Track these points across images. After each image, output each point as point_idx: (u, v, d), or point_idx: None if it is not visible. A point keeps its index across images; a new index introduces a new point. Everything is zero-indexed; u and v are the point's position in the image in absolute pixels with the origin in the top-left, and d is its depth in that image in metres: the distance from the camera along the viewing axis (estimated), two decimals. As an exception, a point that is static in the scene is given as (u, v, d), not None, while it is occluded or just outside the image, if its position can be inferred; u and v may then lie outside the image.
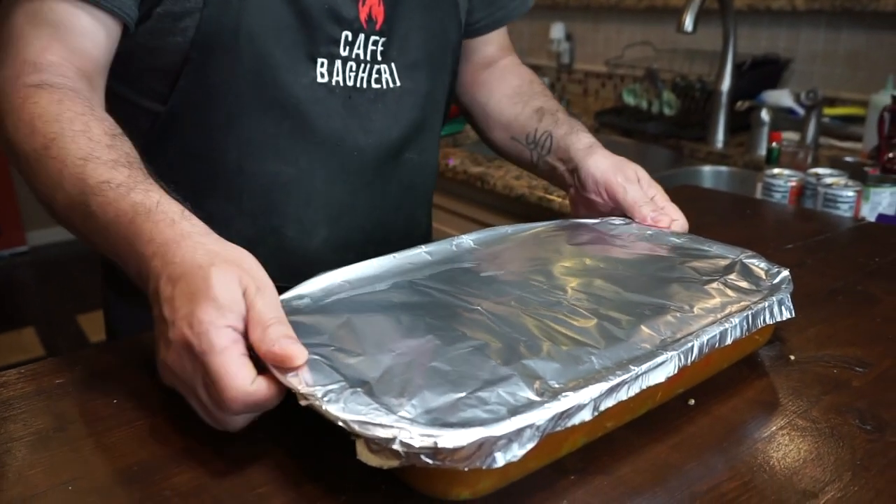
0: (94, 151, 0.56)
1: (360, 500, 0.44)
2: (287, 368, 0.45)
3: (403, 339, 0.51)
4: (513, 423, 0.40)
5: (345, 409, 0.41)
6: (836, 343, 0.64)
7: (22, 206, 3.74)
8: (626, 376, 0.45)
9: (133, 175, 0.55)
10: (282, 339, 0.45)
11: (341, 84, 0.74)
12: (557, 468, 0.47)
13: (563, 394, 0.43)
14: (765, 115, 1.64)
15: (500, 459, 0.40)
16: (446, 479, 0.42)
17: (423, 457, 0.39)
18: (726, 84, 1.74)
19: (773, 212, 1.09)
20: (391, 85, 0.78)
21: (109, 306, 0.88)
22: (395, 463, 0.40)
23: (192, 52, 0.69)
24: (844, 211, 1.13)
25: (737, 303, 0.57)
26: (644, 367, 0.47)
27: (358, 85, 0.76)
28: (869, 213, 1.16)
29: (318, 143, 0.75)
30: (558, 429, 0.42)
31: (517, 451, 0.40)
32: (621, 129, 1.96)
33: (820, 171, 1.22)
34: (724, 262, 0.65)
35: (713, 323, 0.53)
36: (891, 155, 1.21)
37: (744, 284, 0.61)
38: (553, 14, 2.53)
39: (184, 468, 0.47)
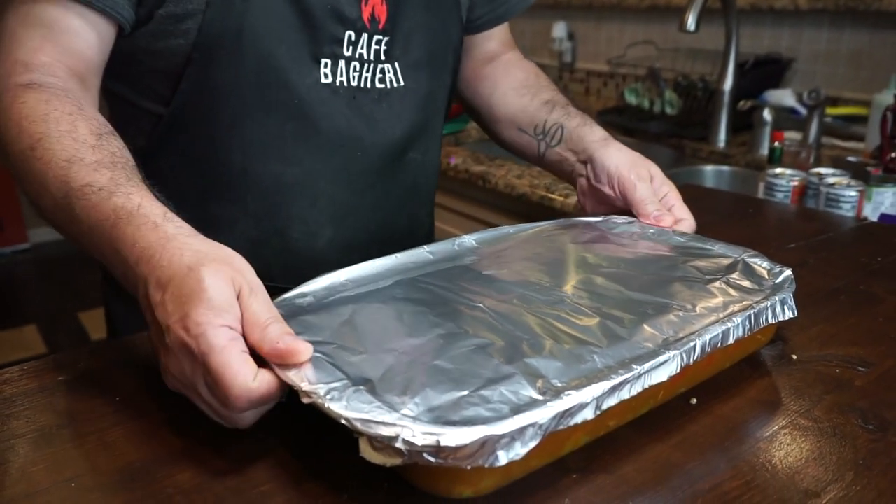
0: (79, 153, 0.56)
1: (362, 498, 0.44)
2: (292, 365, 0.45)
3: (406, 338, 0.51)
4: (515, 421, 0.40)
5: (347, 406, 0.42)
6: (839, 342, 0.64)
7: (23, 203, 3.74)
8: (628, 375, 0.46)
9: (115, 177, 0.54)
10: (284, 337, 0.45)
11: (345, 84, 0.74)
12: (559, 467, 0.47)
13: (566, 392, 0.43)
14: (767, 114, 1.63)
15: (503, 458, 0.40)
16: (449, 477, 0.42)
17: (425, 455, 0.39)
18: (728, 83, 1.73)
19: (776, 211, 1.09)
20: (395, 84, 0.78)
21: (110, 304, 0.88)
22: (397, 461, 0.40)
23: (194, 54, 0.68)
24: (847, 211, 1.13)
25: (739, 302, 0.57)
26: (646, 366, 0.47)
27: (362, 85, 0.75)
28: (871, 212, 1.16)
29: (322, 144, 0.75)
30: (561, 427, 0.42)
31: (520, 450, 0.40)
32: (623, 128, 1.95)
33: (822, 170, 1.22)
34: (726, 262, 0.65)
35: (715, 322, 0.53)
36: (893, 155, 1.21)
37: (746, 284, 0.60)
38: (555, 13, 2.53)
39: (186, 466, 0.47)
